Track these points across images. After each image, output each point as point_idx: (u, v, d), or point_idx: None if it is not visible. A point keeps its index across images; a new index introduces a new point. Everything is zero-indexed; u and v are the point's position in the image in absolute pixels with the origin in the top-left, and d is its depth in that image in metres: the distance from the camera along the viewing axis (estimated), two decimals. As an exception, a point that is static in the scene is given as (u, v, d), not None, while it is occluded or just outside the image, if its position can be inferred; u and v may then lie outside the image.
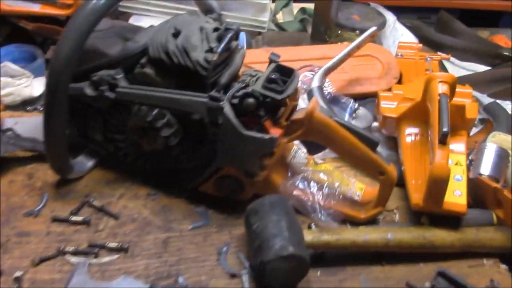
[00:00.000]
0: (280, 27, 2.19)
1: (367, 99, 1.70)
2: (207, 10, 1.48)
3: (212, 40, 1.26)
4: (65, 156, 1.39)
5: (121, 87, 1.28)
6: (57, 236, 1.33)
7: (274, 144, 1.20)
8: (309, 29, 2.16)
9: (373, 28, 1.68)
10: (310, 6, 2.24)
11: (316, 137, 1.24)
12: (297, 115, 1.24)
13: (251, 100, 1.17)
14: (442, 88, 1.23)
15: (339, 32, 1.99)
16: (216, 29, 1.29)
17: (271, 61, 1.27)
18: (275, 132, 1.21)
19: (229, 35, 1.25)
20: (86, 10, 1.18)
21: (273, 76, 1.21)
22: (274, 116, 1.24)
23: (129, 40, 1.30)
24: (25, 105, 1.72)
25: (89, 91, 1.32)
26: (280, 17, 2.32)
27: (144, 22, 1.99)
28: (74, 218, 1.37)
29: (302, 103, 1.53)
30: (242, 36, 1.94)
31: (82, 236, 1.34)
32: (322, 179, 1.31)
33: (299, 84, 1.28)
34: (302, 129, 1.22)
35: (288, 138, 1.27)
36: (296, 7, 2.39)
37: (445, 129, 1.09)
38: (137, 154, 1.46)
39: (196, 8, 1.54)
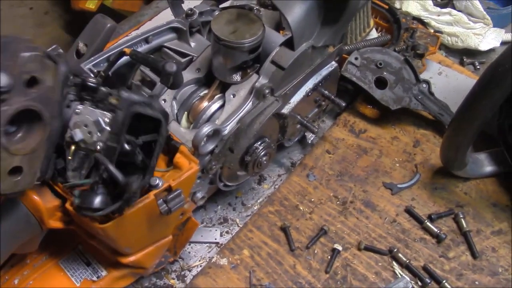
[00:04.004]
0: None
1: None
2: None
3: None
4: (463, 148, 1.06)
5: None
6: (400, 231, 1.09)
7: None
8: None
9: None
10: None
11: None
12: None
13: None
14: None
15: None
16: None
17: None
18: None
19: None
20: None
21: None
22: None
23: None
24: (463, 54, 1.39)
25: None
26: None
27: None
28: (429, 225, 1.09)
29: None
30: None
31: (424, 250, 1.07)
32: None
33: None
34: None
35: None
36: None
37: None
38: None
39: None
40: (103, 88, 0.77)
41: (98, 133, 0.74)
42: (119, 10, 2.68)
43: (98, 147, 0.74)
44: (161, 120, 0.76)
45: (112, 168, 0.71)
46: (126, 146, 0.74)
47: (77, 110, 0.74)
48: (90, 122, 0.74)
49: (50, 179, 0.76)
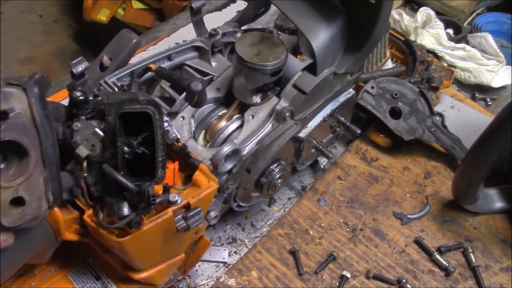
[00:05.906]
0: None
1: None
2: None
3: None
4: (475, 183, 1.06)
5: None
6: (409, 262, 1.09)
7: None
8: None
9: None
10: None
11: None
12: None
13: None
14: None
15: None
16: None
17: None
18: None
19: None
20: None
21: None
22: None
23: None
24: (475, 89, 1.41)
25: None
26: None
27: None
28: (438, 257, 1.08)
29: None
30: None
31: (432, 282, 1.06)
32: None
33: None
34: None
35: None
36: None
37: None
38: None
39: None
40: (97, 97, 0.75)
41: (100, 144, 0.73)
42: (130, 24, 2.69)
43: (105, 158, 0.73)
44: (149, 112, 0.72)
45: (120, 178, 0.70)
46: (126, 149, 0.73)
47: (75, 128, 0.73)
48: (89, 136, 0.73)
49: (74, 197, 0.75)
